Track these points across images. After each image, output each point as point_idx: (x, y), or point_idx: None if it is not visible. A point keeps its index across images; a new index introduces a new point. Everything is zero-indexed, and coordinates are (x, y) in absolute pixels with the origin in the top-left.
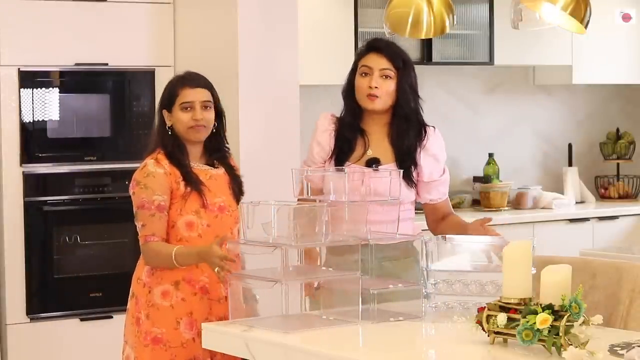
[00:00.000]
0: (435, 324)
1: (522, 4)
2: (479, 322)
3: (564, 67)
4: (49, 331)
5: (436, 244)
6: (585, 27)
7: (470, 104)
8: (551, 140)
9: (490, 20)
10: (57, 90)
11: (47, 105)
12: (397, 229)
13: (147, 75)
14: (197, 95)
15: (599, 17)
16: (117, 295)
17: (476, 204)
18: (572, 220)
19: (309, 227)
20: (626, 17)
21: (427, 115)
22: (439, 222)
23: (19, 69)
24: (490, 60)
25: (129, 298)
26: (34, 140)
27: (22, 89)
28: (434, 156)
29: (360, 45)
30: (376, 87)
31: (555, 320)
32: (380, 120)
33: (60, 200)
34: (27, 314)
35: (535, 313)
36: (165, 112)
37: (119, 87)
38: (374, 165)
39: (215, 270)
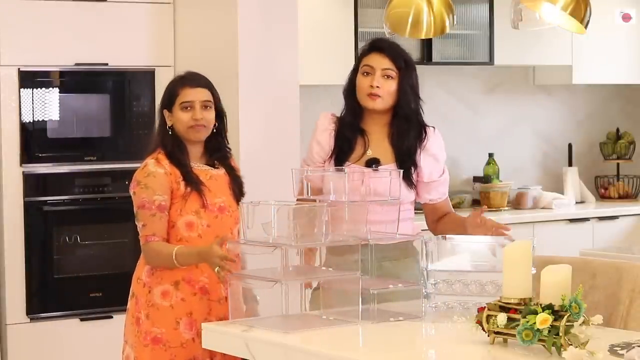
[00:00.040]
0: (435, 324)
1: (522, 4)
2: (479, 322)
3: (564, 67)
4: (49, 331)
5: (436, 244)
6: (585, 27)
7: (470, 104)
8: (551, 140)
9: (490, 20)
10: (57, 90)
11: (47, 105)
12: (397, 229)
13: (147, 75)
14: (197, 94)
15: (599, 17)
16: (117, 295)
17: (476, 204)
18: (572, 220)
19: (309, 227)
20: (626, 17)
21: (427, 115)
22: (438, 221)
23: (19, 69)
24: (490, 60)
25: (129, 298)
26: (34, 140)
27: (22, 89)
28: (434, 156)
29: (360, 45)
30: (377, 87)
31: (555, 320)
32: (380, 121)
33: (60, 200)
34: (27, 314)
35: (535, 313)
36: (165, 112)
37: (119, 87)
38: (373, 166)
39: (216, 270)
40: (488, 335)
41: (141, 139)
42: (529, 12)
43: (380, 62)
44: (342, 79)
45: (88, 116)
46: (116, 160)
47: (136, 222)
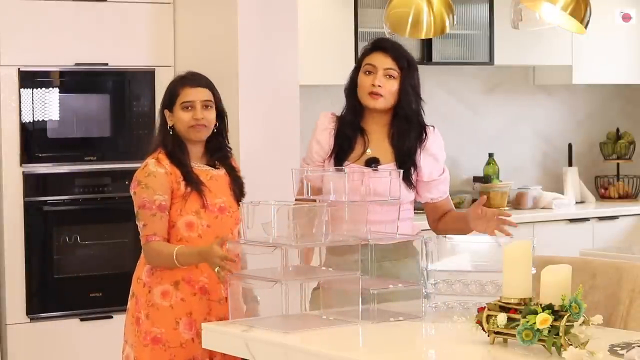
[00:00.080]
0: (435, 324)
1: (522, 4)
2: (479, 322)
3: (564, 67)
4: (49, 331)
5: (436, 244)
6: (585, 27)
7: (470, 104)
8: (551, 140)
9: (490, 20)
10: (57, 90)
11: (47, 105)
12: (397, 229)
13: (147, 75)
14: (198, 94)
15: (599, 17)
16: (117, 295)
17: None
18: (572, 220)
19: (309, 227)
20: (626, 17)
21: (427, 115)
22: (440, 220)
23: (19, 69)
24: (490, 60)
25: (129, 297)
26: (34, 140)
27: (22, 89)
28: (434, 156)
29: (360, 45)
30: (379, 86)
31: (555, 320)
32: (380, 120)
33: (60, 200)
34: (27, 314)
35: (535, 313)
36: (166, 112)
37: (119, 87)
38: (373, 165)
39: (216, 270)
40: (488, 335)
41: (141, 139)
42: (529, 12)
43: (382, 62)
44: (342, 79)
45: (88, 116)
46: (116, 160)
47: (137, 222)
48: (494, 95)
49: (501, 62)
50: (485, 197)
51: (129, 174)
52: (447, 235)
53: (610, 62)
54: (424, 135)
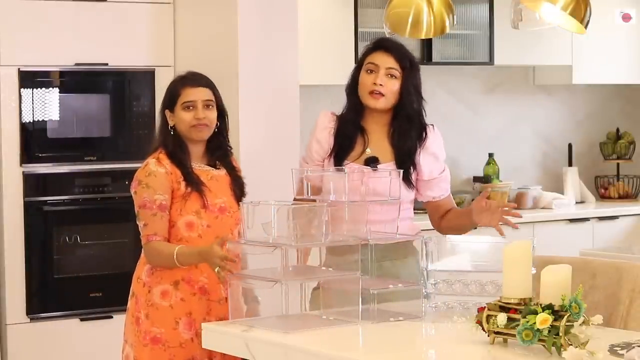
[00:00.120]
0: (435, 324)
1: (522, 4)
2: (479, 322)
3: (564, 67)
4: (49, 331)
5: (436, 244)
6: (585, 27)
7: (470, 104)
8: (551, 140)
9: (490, 20)
10: (57, 90)
11: (47, 105)
12: (396, 229)
13: (147, 75)
14: (199, 94)
15: (599, 17)
16: (117, 295)
17: None
18: (572, 220)
19: (309, 227)
20: (626, 17)
21: (428, 115)
22: (443, 218)
23: (19, 69)
24: (490, 60)
25: (129, 297)
26: (34, 140)
27: (22, 89)
28: (434, 155)
29: (360, 45)
30: (381, 85)
31: (555, 320)
32: (381, 120)
33: (60, 200)
34: (27, 314)
35: (535, 313)
36: (167, 112)
37: (119, 87)
38: (372, 164)
39: (216, 270)
40: (488, 335)
41: (141, 139)
42: (529, 12)
43: (385, 61)
44: (342, 79)
45: (88, 116)
46: (116, 160)
47: (137, 222)
48: (494, 95)
49: (501, 62)
50: (489, 189)
51: (129, 174)
52: (447, 235)
53: (610, 62)
54: (425, 135)
